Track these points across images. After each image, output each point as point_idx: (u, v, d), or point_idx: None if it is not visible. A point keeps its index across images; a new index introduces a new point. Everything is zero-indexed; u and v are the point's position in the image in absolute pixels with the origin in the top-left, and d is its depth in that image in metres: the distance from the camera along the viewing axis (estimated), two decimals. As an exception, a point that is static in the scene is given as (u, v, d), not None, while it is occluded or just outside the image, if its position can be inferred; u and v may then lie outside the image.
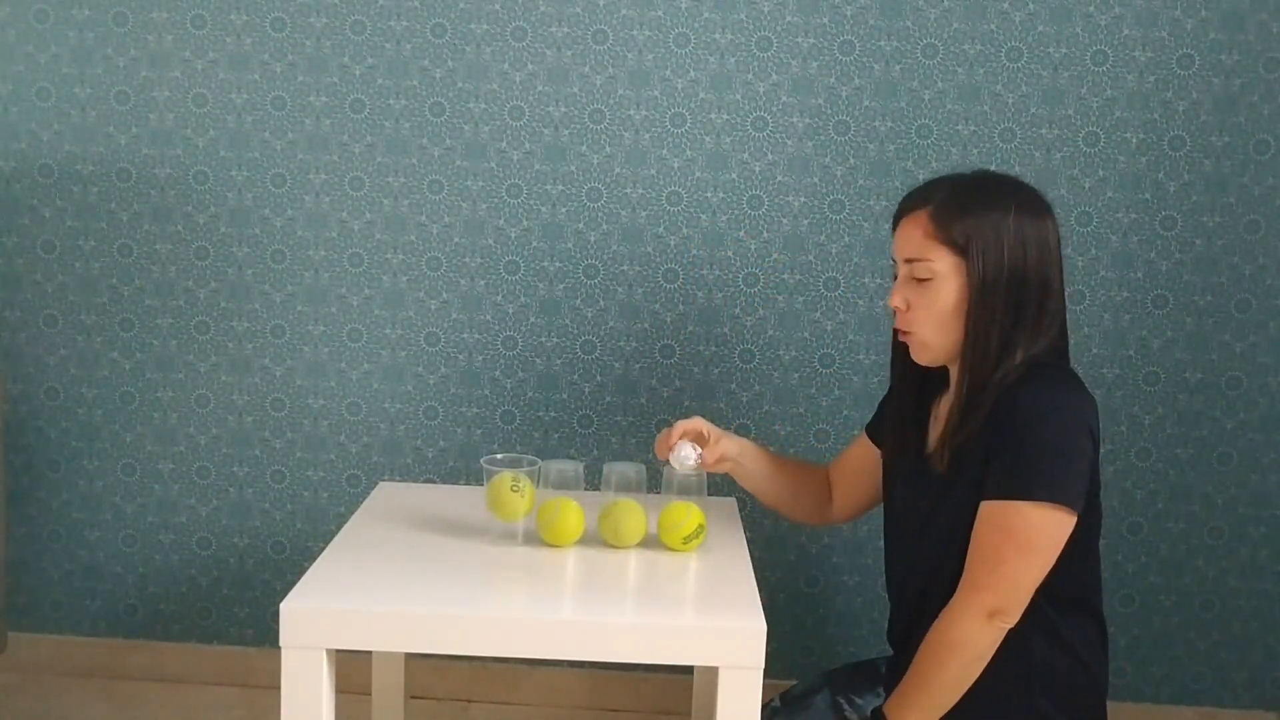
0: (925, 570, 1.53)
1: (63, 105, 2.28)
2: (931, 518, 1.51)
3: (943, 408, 1.56)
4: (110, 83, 2.27)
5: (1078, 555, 1.44)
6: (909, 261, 1.49)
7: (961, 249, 1.45)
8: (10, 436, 2.38)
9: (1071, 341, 2.26)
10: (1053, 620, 1.46)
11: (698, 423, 1.68)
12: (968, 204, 1.46)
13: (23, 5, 2.26)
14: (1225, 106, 2.19)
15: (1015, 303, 1.44)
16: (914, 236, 1.48)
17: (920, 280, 1.48)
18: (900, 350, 1.60)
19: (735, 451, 1.72)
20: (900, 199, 1.56)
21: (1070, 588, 1.46)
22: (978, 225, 1.44)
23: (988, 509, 1.40)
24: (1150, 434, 2.29)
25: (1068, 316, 1.55)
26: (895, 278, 1.54)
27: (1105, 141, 2.21)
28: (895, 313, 1.53)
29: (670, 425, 1.70)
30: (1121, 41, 2.18)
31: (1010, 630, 1.41)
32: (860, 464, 1.76)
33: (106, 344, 2.34)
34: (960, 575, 1.44)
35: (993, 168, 1.59)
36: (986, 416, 1.43)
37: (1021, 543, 1.37)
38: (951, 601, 1.42)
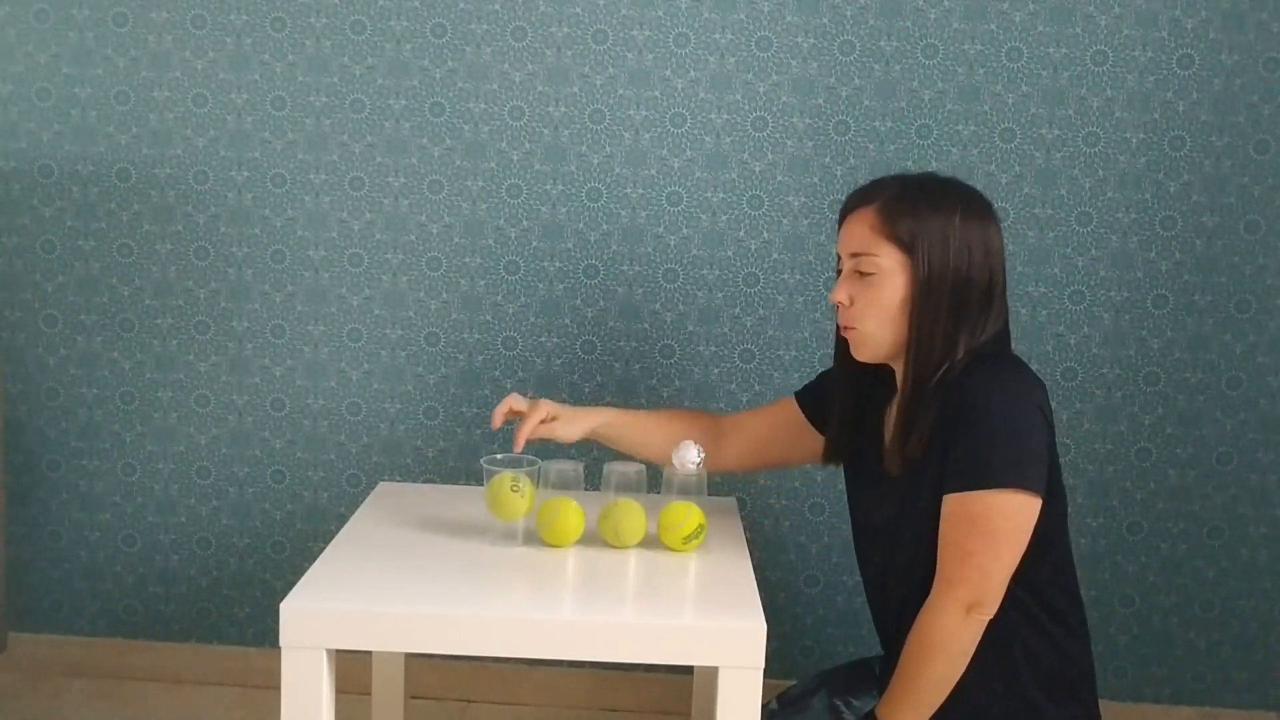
0: (902, 579, 1.52)
1: (63, 105, 2.28)
2: (898, 526, 1.51)
3: (892, 414, 1.55)
4: (110, 83, 2.27)
5: (1049, 539, 1.44)
6: (854, 256, 1.50)
7: (908, 246, 1.46)
8: (10, 436, 2.38)
9: (1071, 341, 2.27)
10: (1031, 608, 1.46)
11: (540, 407, 1.67)
12: (915, 203, 1.47)
13: (23, 5, 2.26)
14: (1225, 106, 2.19)
15: (958, 302, 1.45)
16: (860, 232, 1.49)
17: (864, 274, 1.49)
18: (842, 351, 1.60)
19: (598, 421, 1.74)
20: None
21: (1045, 572, 1.46)
22: (925, 224, 1.45)
23: (950, 502, 1.40)
24: (1150, 434, 2.29)
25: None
26: (838, 274, 1.54)
27: (1105, 141, 2.21)
28: (838, 308, 1.53)
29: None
30: (1121, 41, 2.18)
31: (992, 622, 1.41)
32: (775, 426, 1.76)
33: (106, 344, 2.34)
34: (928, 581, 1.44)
35: (937, 170, 1.60)
36: (937, 414, 1.43)
37: (987, 531, 1.37)
38: (928, 600, 1.42)
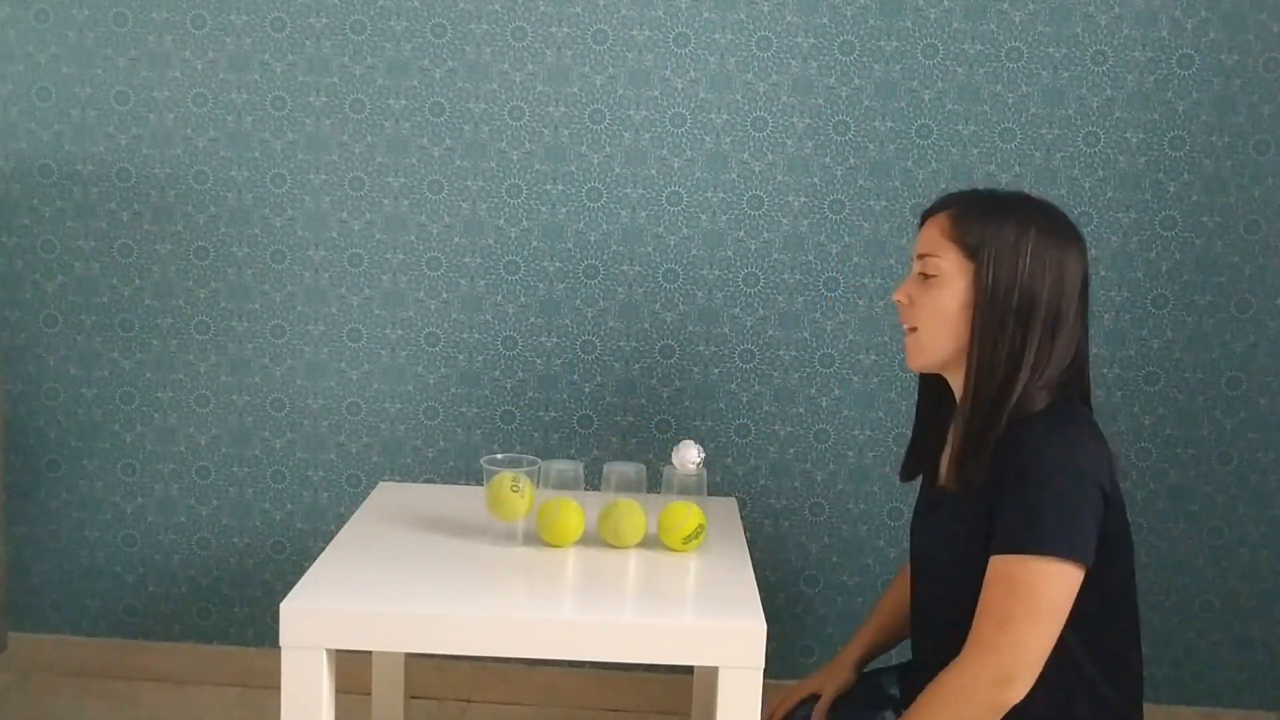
0: (945, 615, 1.47)
1: (63, 105, 2.28)
2: (942, 553, 1.48)
3: (954, 433, 1.51)
4: (110, 83, 2.27)
5: (1119, 609, 1.41)
6: (921, 257, 1.47)
7: (972, 252, 1.42)
8: (10, 436, 2.38)
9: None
10: (1095, 681, 1.41)
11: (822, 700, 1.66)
12: (990, 211, 1.44)
13: (23, 5, 2.26)
14: (1225, 106, 2.19)
15: (1023, 322, 1.40)
16: (930, 234, 1.47)
17: (927, 277, 1.46)
18: (925, 378, 1.59)
19: (859, 656, 1.70)
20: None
21: (1114, 643, 1.42)
22: (995, 232, 1.42)
23: (995, 564, 1.35)
24: (1150, 434, 2.29)
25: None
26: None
27: (1105, 141, 2.21)
28: (899, 308, 1.52)
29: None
30: (1121, 41, 2.18)
31: (1053, 691, 1.36)
32: None
33: (106, 344, 2.35)
34: (967, 625, 1.39)
35: (1031, 192, 1.58)
36: (996, 448, 1.39)
37: (1028, 597, 1.31)
38: (958, 659, 1.35)
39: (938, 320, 1.45)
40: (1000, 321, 1.41)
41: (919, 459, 1.62)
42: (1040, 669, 1.32)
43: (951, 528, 1.45)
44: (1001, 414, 1.40)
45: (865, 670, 1.72)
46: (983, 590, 1.36)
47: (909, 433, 1.61)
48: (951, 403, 1.56)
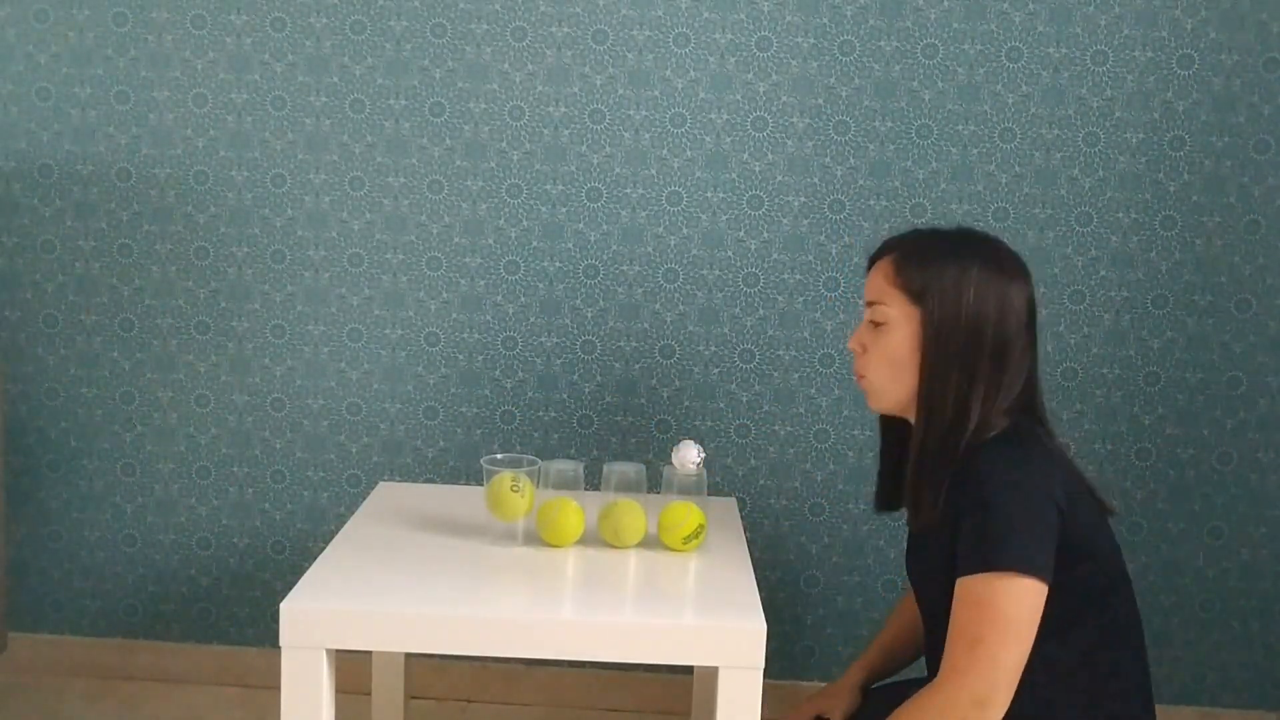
0: (938, 637, 1.49)
1: (63, 105, 2.28)
2: (932, 586, 1.49)
3: (908, 474, 1.54)
4: (110, 83, 2.27)
5: (1118, 620, 1.41)
6: (869, 305, 1.50)
7: (917, 296, 1.45)
8: (10, 436, 2.38)
9: (1071, 341, 2.27)
10: (1055, 687, 1.41)
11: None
12: (932, 254, 1.46)
13: (23, 5, 2.26)
14: (1225, 106, 2.19)
15: (970, 361, 1.42)
16: (876, 280, 1.50)
17: (877, 324, 1.49)
18: (884, 417, 1.61)
19: (863, 678, 1.71)
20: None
21: (1080, 648, 1.42)
22: (937, 275, 1.44)
23: (959, 587, 1.37)
24: (1150, 434, 2.29)
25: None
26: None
27: (1105, 141, 2.21)
28: (855, 356, 1.54)
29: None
30: (1121, 41, 2.18)
31: (1016, 701, 1.37)
32: None
33: (106, 344, 2.35)
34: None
35: (977, 227, 1.59)
36: (950, 486, 1.42)
37: (996, 616, 1.32)
38: (936, 684, 1.35)
39: (891, 367, 1.47)
40: (947, 363, 1.43)
41: (890, 495, 1.64)
42: (1016, 685, 1.33)
43: (934, 560, 1.47)
44: (954, 451, 1.43)
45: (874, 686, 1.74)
46: (951, 614, 1.38)
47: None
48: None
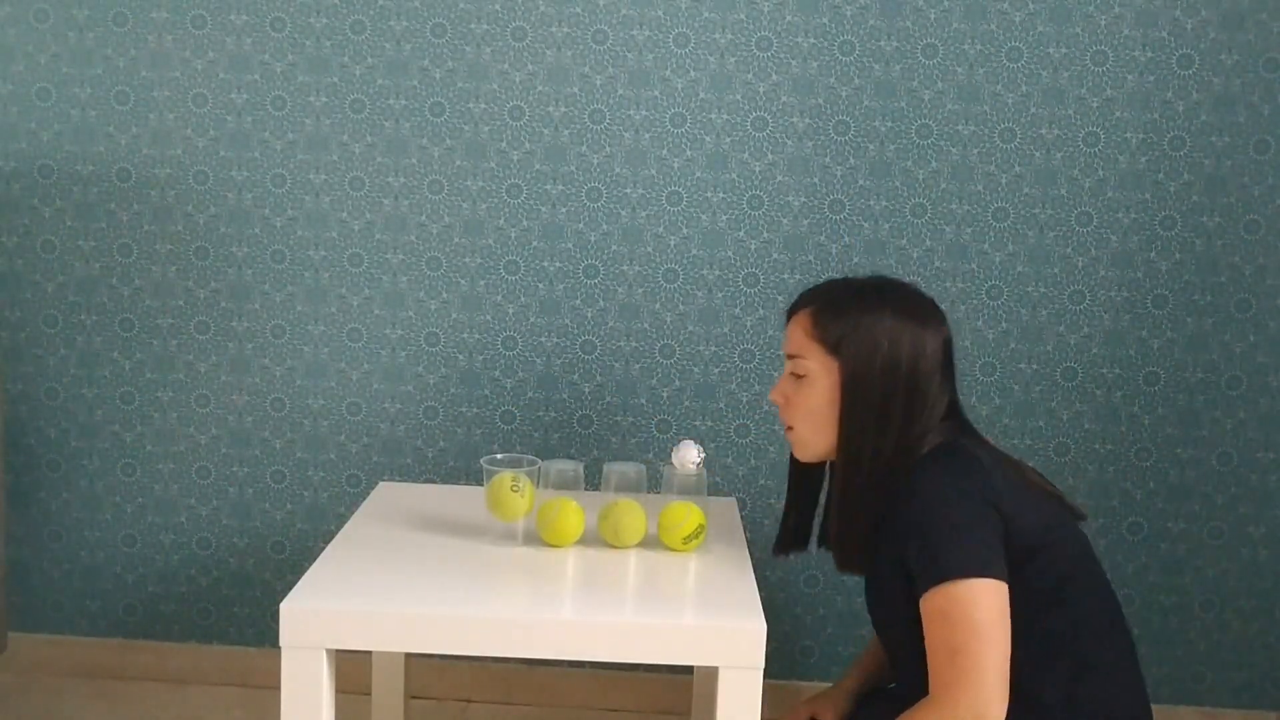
0: (905, 669, 1.51)
1: (63, 105, 2.28)
2: (892, 616, 1.50)
3: (831, 519, 1.57)
4: (110, 83, 2.27)
5: (1088, 612, 1.42)
6: (790, 357, 1.53)
7: (834, 349, 1.48)
8: (10, 436, 2.38)
9: (1071, 341, 2.27)
10: (1024, 689, 1.41)
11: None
12: (846, 305, 1.49)
13: (23, 5, 2.26)
14: (1225, 106, 2.19)
15: (887, 405, 1.46)
16: (794, 334, 1.53)
17: (798, 377, 1.51)
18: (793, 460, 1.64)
19: (858, 687, 1.72)
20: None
21: (1045, 646, 1.42)
22: (853, 326, 1.47)
23: (924, 605, 1.38)
24: (1150, 434, 2.29)
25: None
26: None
27: (1105, 141, 2.21)
28: (779, 408, 1.56)
29: None
30: (1121, 41, 2.18)
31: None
32: None
33: (106, 344, 2.35)
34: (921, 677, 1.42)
35: (890, 275, 1.66)
36: (881, 517, 1.45)
37: (965, 623, 1.33)
38: (930, 700, 1.35)
39: (813, 418, 1.51)
40: (864, 411, 1.47)
41: (795, 535, 1.66)
42: (1007, 686, 1.34)
43: (887, 592, 1.48)
44: (876, 490, 1.46)
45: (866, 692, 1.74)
46: (925, 634, 1.38)
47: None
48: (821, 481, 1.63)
